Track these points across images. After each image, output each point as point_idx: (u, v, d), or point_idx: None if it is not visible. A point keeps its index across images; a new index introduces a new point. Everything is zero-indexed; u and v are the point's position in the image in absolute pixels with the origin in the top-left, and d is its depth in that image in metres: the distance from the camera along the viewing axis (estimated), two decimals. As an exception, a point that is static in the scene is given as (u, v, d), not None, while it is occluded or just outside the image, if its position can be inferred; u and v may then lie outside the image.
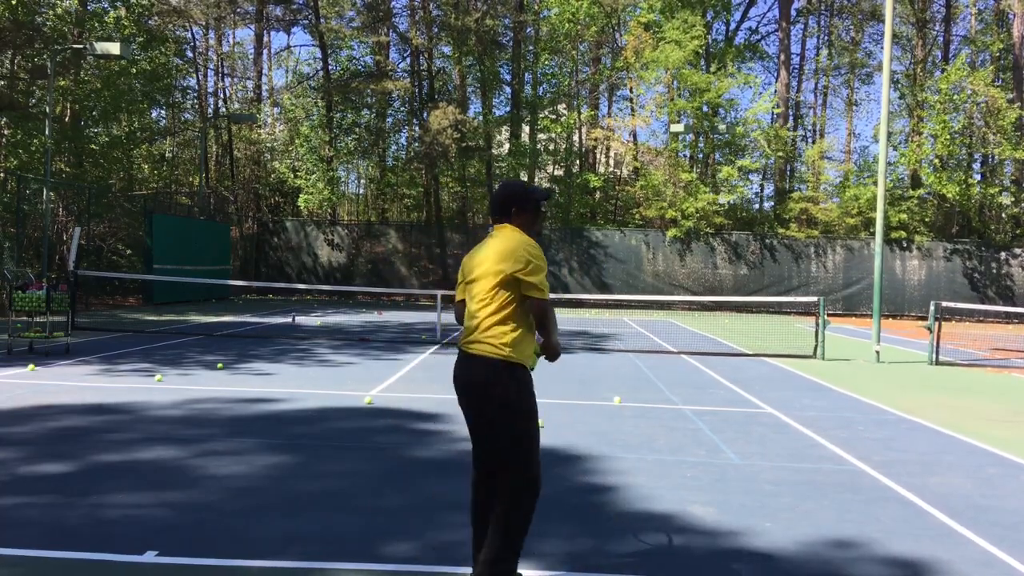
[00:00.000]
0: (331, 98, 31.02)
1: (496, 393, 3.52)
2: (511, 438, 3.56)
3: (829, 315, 23.15)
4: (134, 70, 25.93)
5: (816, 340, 14.03)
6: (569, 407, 8.37)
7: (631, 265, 29.02)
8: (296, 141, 32.57)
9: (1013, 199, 30.28)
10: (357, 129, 32.59)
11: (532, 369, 3.65)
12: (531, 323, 3.62)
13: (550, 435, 6.81)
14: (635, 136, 33.84)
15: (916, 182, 29.98)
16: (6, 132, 23.28)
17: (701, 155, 32.98)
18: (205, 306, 23.30)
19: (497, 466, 3.63)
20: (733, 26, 36.19)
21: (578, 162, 34.00)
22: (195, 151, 32.94)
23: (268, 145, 34.67)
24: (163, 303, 22.67)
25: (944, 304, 14.85)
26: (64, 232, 22.10)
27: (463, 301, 3.79)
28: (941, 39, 34.28)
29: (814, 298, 14.77)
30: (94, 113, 25.81)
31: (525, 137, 32.38)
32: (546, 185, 33.80)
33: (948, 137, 28.81)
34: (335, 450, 6.33)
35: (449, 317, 16.53)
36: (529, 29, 31.70)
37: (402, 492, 5.26)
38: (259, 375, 10.15)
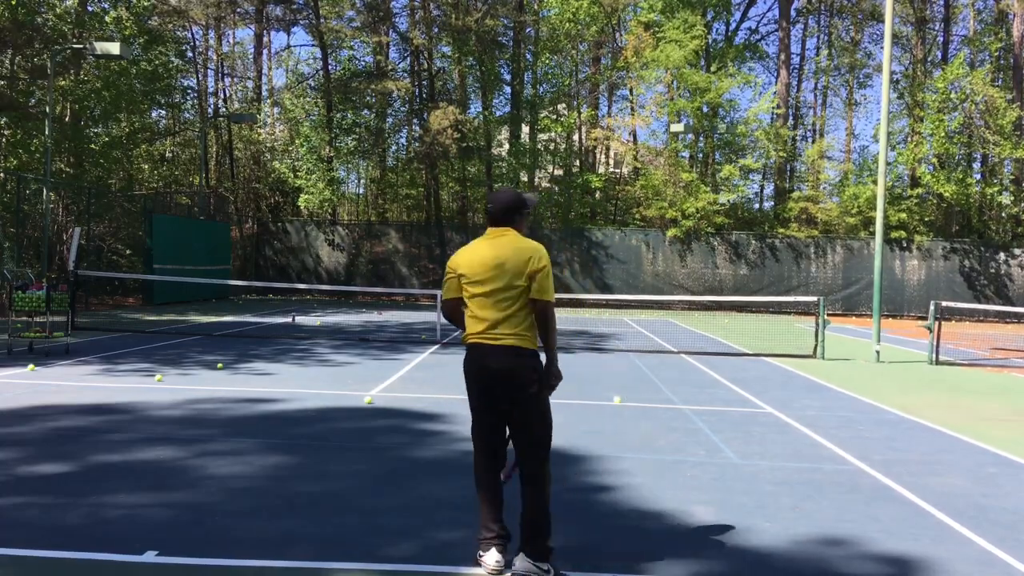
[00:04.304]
0: (331, 98, 31.01)
1: (525, 378, 3.89)
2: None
3: (829, 315, 23.14)
4: (134, 70, 25.92)
5: (816, 340, 14.03)
6: (569, 407, 8.35)
7: (631, 265, 29.01)
8: (296, 141, 32.56)
9: (1013, 199, 30.27)
10: (357, 129, 32.56)
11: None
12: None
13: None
14: (635, 136, 33.81)
15: (915, 181, 29.97)
16: (6, 132, 23.27)
17: (701, 155, 32.97)
18: (205, 306, 23.29)
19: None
20: (733, 26, 36.23)
21: (578, 162, 34.00)
22: (195, 151, 32.91)
23: (268, 145, 34.65)
24: (163, 303, 22.66)
25: (944, 304, 14.85)
26: (64, 232, 22.10)
27: (460, 299, 4.00)
28: (941, 39, 34.29)
29: (814, 298, 14.76)
30: (94, 113, 25.80)
31: (525, 137, 32.38)
32: (545, 185, 33.97)
33: (944, 135, 28.80)
34: (335, 450, 6.33)
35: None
36: (529, 29, 31.69)
37: (402, 492, 5.26)
38: (259, 375, 10.15)
